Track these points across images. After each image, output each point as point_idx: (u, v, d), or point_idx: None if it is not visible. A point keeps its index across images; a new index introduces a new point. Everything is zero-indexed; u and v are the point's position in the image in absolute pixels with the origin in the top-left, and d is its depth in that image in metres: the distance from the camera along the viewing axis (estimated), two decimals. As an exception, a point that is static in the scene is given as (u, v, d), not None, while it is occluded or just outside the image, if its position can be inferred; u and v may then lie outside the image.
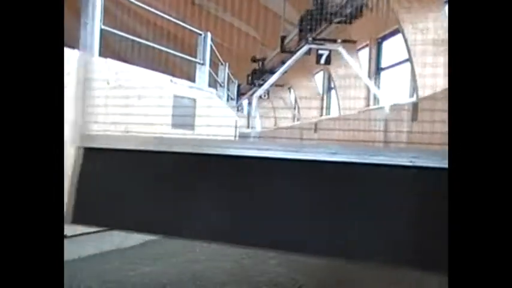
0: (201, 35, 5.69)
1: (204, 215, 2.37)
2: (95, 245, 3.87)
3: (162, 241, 4.49)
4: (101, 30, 4.05)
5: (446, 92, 1.72)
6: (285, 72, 12.08)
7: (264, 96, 16.36)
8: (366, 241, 2.18)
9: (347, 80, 12.50)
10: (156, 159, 2.53)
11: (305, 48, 10.62)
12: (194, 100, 5.13)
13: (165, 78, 4.76)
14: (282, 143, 2.61)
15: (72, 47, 3.68)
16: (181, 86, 4.95)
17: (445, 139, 1.69)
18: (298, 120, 17.15)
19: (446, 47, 6.84)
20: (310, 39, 10.31)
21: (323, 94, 15.98)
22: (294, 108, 18.26)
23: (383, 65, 11.78)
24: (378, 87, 11.27)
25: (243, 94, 16.73)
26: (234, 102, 12.54)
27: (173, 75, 5.01)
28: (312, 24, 10.03)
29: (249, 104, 15.81)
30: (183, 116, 4.95)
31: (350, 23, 9.44)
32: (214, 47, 6.11)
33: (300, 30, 10.71)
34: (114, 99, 4.00)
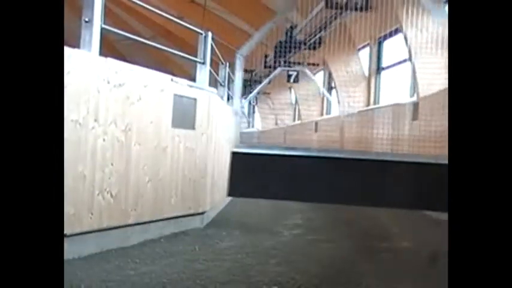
0: (201, 34, 5.67)
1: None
2: (95, 244, 3.87)
3: (162, 241, 4.50)
4: (101, 29, 4.03)
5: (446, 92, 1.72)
6: (269, 82, 16.59)
7: (253, 102, 22.35)
8: None
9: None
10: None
11: (278, 70, 15.02)
12: (195, 99, 5.13)
13: (166, 77, 4.75)
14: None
15: (73, 46, 3.68)
16: (181, 85, 4.95)
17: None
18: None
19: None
20: (282, 62, 14.57)
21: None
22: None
23: (383, 64, 11.88)
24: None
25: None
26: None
27: (174, 74, 5.00)
28: (282, 51, 13.88)
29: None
30: (183, 115, 4.96)
31: (314, 49, 13.63)
32: (214, 46, 6.10)
33: (274, 56, 14.56)
34: (114, 99, 4.02)
